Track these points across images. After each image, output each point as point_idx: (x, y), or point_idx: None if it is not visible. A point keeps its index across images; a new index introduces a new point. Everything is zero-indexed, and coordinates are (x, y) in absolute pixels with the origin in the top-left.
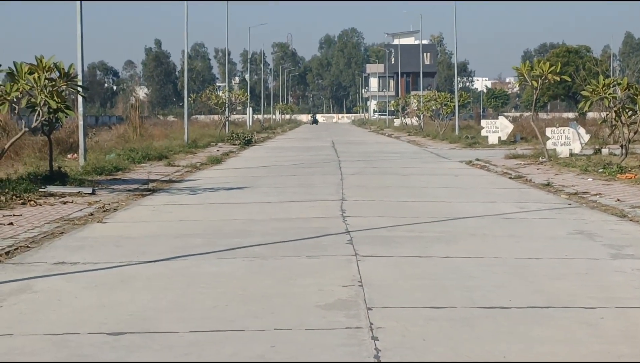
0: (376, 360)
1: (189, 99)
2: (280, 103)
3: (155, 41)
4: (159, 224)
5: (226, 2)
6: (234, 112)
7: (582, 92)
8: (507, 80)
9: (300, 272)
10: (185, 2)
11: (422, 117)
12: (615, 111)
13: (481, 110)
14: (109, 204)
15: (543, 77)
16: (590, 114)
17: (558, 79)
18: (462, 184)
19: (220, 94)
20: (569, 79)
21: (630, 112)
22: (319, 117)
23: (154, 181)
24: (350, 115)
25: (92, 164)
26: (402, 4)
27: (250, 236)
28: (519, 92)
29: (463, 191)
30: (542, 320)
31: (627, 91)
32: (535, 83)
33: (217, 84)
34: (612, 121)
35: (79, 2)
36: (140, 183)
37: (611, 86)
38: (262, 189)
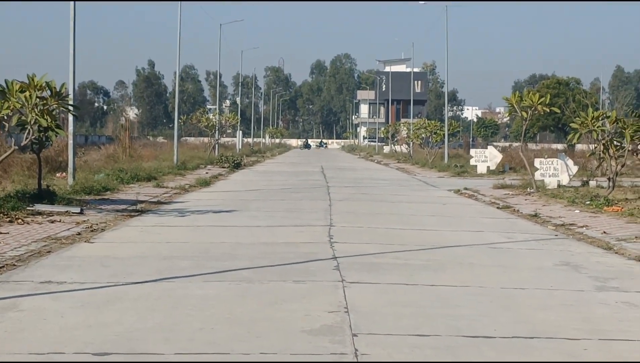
0: None
1: (179, 120)
2: (271, 127)
3: (148, 62)
4: (147, 245)
5: (219, 24)
6: (224, 135)
7: (571, 124)
8: (497, 110)
9: (286, 297)
10: (179, 24)
11: (411, 145)
12: (603, 144)
13: (471, 139)
14: (97, 224)
15: (533, 108)
16: (579, 146)
17: (547, 110)
18: (450, 212)
19: (211, 117)
20: (558, 111)
21: (618, 145)
22: (310, 141)
23: (142, 202)
24: (340, 140)
25: (81, 184)
26: (396, 31)
27: (237, 259)
28: (508, 122)
29: (451, 219)
30: (526, 350)
31: (615, 124)
32: (524, 114)
33: (208, 106)
34: (600, 154)
35: (72, 22)
36: (129, 204)
37: (600, 119)
38: (250, 213)
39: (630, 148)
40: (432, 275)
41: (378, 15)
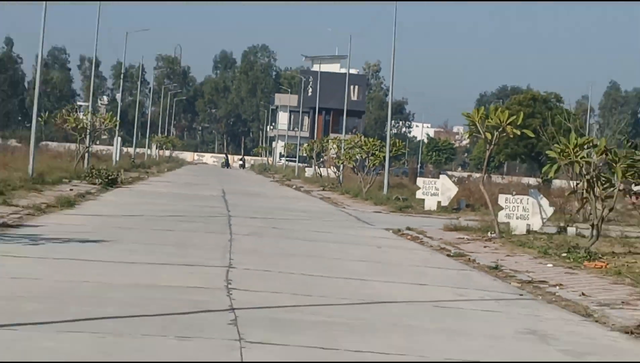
0: None
1: (39, 119)
2: (160, 135)
3: (5, 40)
4: None
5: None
6: (98, 142)
7: (547, 153)
8: (455, 129)
9: (165, 357)
10: None
11: (341, 168)
12: (587, 181)
13: (419, 165)
14: None
15: (500, 129)
16: (556, 182)
17: (519, 133)
18: (386, 258)
19: (82, 117)
20: (533, 135)
21: (607, 183)
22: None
23: None
24: (250, 158)
25: None
26: (330, 20)
27: (104, 305)
28: (468, 146)
29: (387, 267)
30: None
31: (604, 155)
32: (489, 136)
33: (79, 103)
34: (583, 193)
35: None
36: None
37: (585, 147)
38: (126, 246)
39: (621, 188)
40: (359, 338)
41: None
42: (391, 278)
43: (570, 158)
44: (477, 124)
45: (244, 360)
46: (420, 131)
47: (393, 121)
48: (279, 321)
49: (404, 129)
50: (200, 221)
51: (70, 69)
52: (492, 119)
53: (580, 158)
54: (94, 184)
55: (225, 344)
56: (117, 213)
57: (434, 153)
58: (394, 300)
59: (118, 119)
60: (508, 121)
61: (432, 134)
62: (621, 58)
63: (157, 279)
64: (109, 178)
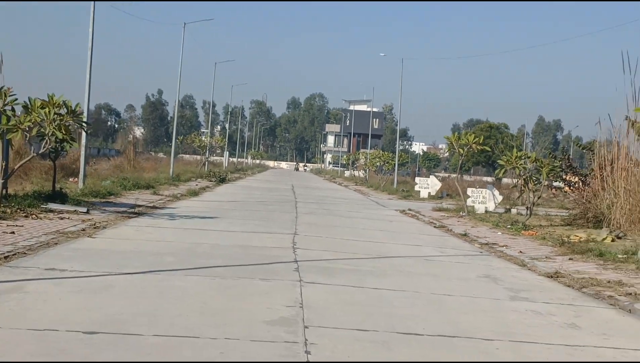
0: None
1: (177, 140)
2: (253, 150)
3: (157, 90)
4: (140, 242)
5: (215, 63)
6: (214, 155)
7: (498, 161)
8: (440, 146)
9: (252, 292)
10: (180, 59)
11: (367, 171)
12: (524, 179)
13: (417, 169)
14: (100, 223)
15: (468, 146)
16: (505, 180)
17: (480, 148)
18: (395, 228)
19: (203, 139)
20: (489, 150)
21: (536, 180)
22: (301, 165)
23: (140, 206)
24: (310, 164)
25: (89, 188)
26: (361, 75)
27: (214, 258)
28: (448, 157)
29: (395, 234)
30: (448, 347)
31: (534, 163)
32: (461, 151)
33: (202, 130)
34: (521, 187)
35: (89, 52)
36: (129, 207)
37: (522, 158)
38: (229, 220)
39: (545, 183)
40: (376, 280)
41: (347, 62)
42: (397, 241)
43: (513, 165)
44: (454, 143)
45: (302, 293)
46: (418, 147)
47: (400, 141)
48: (325, 269)
49: (407, 146)
50: (277, 204)
51: (196, 109)
52: (463, 140)
53: (520, 165)
54: (211, 181)
55: (291, 283)
56: (225, 199)
57: (427, 161)
58: (399, 255)
59: (226, 140)
60: (473, 141)
61: (425, 149)
62: (546, 101)
63: (249, 241)
64: (221, 177)
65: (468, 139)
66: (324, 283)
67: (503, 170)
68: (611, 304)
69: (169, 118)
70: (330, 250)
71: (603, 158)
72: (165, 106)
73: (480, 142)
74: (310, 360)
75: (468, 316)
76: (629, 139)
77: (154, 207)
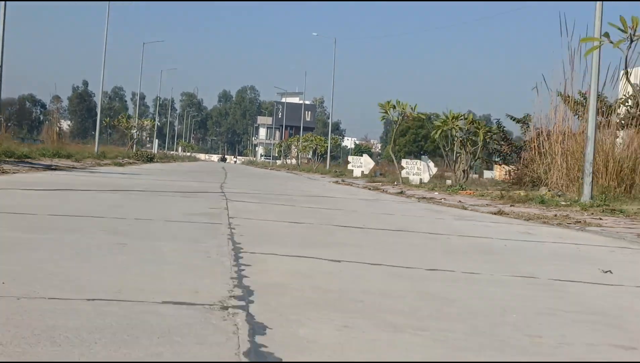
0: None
1: (103, 122)
2: (183, 141)
3: (83, 82)
4: (54, 179)
5: (142, 42)
6: (144, 147)
7: (434, 122)
8: (372, 141)
9: (187, 202)
10: (105, 35)
11: (299, 155)
12: (460, 141)
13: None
14: (10, 170)
15: (403, 114)
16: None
17: (415, 115)
18: (328, 189)
19: (131, 120)
20: (424, 116)
21: (473, 143)
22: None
23: (58, 166)
24: (241, 157)
25: (3, 149)
26: (291, 62)
27: (148, 189)
28: (380, 151)
29: (329, 191)
30: (396, 234)
31: (471, 125)
32: (395, 118)
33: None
34: (456, 151)
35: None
36: (46, 166)
37: (459, 118)
38: (158, 176)
39: (481, 145)
40: (312, 203)
41: (279, 52)
42: (333, 194)
43: (449, 125)
44: (387, 111)
45: (228, 204)
46: (350, 142)
47: (332, 134)
48: (252, 195)
49: (339, 141)
50: (207, 174)
51: (126, 101)
52: (397, 108)
53: (455, 125)
54: (138, 161)
55: (218, 199)
56: (151, 168)
57: (359, 153)
58: (334, 196)
59: (155, 129)
60: (407, 107)
61: (357, 142)
62: (477, 91)
63: (186, 184)
64: (149, 157)
65: (403, 107)
66: (251, 202)
67: (439, 131)
68: (562, 226)
69: (96, 110)
70: (258, 191)
71: (541, 124)
72: (93, 97)
73: (414, 109)
74: (234, 231)
75: (413, 223)
76: (563, 108)
77: (74, 168)
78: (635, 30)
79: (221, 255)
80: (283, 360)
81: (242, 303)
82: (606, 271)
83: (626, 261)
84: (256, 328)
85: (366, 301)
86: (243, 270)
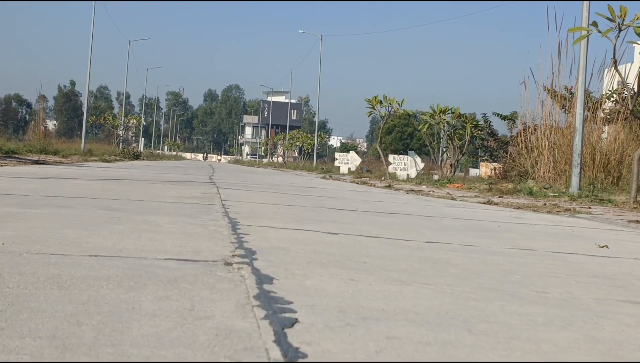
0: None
1: (90, 120)
2: (169, 140)
3: (70, 81)
4: (41, 171)
5: (129, 40)
6: (130, 147)
7: (422, 116)
8: (358, 140)
9: (180, 189)
10: (92, 29)
11: (285, 153)
12: (448, 135)
13: (335, 159)
14: None
15: (390, 108)
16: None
17: (402, 112)
18: (316, 183)
19: (117, 116)
20: (411, 113)
21: (460, 137)
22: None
23: (45, 161)
24: (227, 156)
25: None
26: (277, 60)
27: (140, 179)
28: (366, 149)
29: (317, 184)
30: (388, 215)
31: (458, 119)
32: (383, 113)
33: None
34: (445, 143)
35: None
36: (33, 161)
37: (446, 112)
38: (146, 170)
39: (468, 139)
40: (302, 192)
41: (264, 50)
42: (321, 186)
43: (435, 120)
44: (375, 106)
45: (219, 191)
46: (336, 141)
47: (319, 133)
48: (242, 186)
49: (325, 140)
50: (194, 169)
51: (112, 101)
52: (384, 104)
53: (443, 119)
54: (125, 158)
55: (209, 187)
56: (140, 165)
57: (346, 152)
58: (322, 187)
59: (142, 128)
60: (394, 102)
61: (343, 141)
62: (466, 92)
63: (176, 176)
64: (135, 154)
65: (390, 102)
66: (242, 190)
67: (426, 125)
68: (552, 214)
69: (82, 109)
70: (247, 182)
71: (527, 118)
72: (79, 96)
73: (402, 105)
74: (228, 211)
75: (404, 208)
76: (549, 102)
77: (60, 163)
78: (623, 19)
79: (218, 227)
80: (294, 302)
81: (246, 260)
82: (602, 246)
83: (620, 239)
84: (263, 278)
85: (369, 262)
86: (242, 237)
